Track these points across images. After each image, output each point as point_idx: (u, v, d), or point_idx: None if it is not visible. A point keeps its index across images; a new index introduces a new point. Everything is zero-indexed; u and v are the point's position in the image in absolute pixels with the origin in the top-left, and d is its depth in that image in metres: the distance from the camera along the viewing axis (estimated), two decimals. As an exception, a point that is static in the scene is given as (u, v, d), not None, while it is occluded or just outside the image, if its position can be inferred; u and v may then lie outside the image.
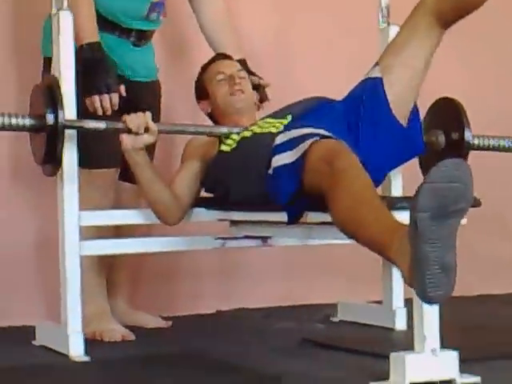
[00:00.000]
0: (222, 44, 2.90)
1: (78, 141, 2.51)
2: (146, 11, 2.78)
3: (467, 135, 2.71)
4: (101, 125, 2.46)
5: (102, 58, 2.56)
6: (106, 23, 2.71)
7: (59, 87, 2.42)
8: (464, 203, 1.84)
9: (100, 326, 2.70)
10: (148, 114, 2.46)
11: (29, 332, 2.72)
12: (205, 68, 2.79)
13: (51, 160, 2.43)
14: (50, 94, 2.41)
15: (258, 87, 2.84)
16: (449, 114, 2.74)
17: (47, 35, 2.63)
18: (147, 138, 2.46)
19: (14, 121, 2.41)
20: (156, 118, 2.81)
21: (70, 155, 2.49)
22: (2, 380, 2.18)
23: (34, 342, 2.68)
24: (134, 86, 2.80)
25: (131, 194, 2.86)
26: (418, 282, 1.83)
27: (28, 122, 2.42)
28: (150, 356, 2.46)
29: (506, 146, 2.83)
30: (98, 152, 2.69)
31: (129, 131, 2.45)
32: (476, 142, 2.75)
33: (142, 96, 2.83)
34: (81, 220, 2.52)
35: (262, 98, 2.86)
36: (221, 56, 2.80)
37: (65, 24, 2.48)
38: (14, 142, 3.04)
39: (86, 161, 2.64)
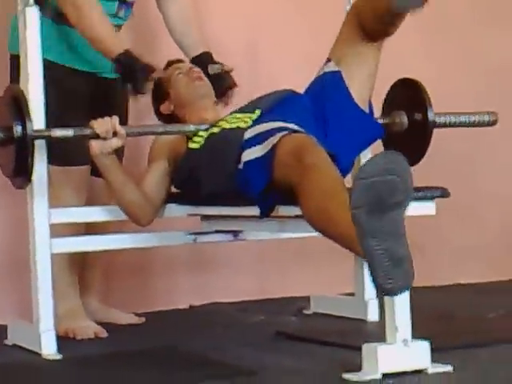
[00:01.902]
0: (186, 39, 2.90)
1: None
2: (115, 10, 2.77)
3: (430, 114, 2.70)
4: (69, 132, 2.44)
5: (139, 61, 2.57)
6: None
7: (25, 97, 2.40)
8: (401, 195, 1.85)
9: (72, 324, 2.69)
10: (115, 118, 2.45)
11: (0, 331, 2.70)
12: (162, 70, 2.77)
13: (21, 172, 2.40)
14: (16, 105, 2.38)
15: (223, 76, 2.83)
16: (410, 94, 2.74)
17: (14, 31, 2.60)
18: (115, 142, 2.46)
19: None
20: (124, 118, 2.82)
21: (39, 157, 2.46)
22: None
23: (5, 341, 2.66)
24: (103, 83, 2.79)
25: (104, 190, 2.84)
26: (372, 276, 1.85)
27: None
28: (122, 353, 2.46)
29: (468, 121, 2.85)
30: (71, 149, 2.66)
31: (97, 137, 2.44)
32: (439, 120, 2.76)
33: (113, 94, 2.82)
34: (51, 217, 2.51)
35: (230, 85, 2.84)
36: (174, 61, 2.81)
37: (32, 21, 2.46)
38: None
39: (59, 158, 2.62)
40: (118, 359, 2.36)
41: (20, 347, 2.57)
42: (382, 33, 2.39)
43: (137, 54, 2.59)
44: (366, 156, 2.80)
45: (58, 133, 2.44)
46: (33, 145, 2.37)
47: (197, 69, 2.75)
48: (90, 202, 2.79)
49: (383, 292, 1.87)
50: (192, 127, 2.60)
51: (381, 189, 1.83)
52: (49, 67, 2.58)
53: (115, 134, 2.44)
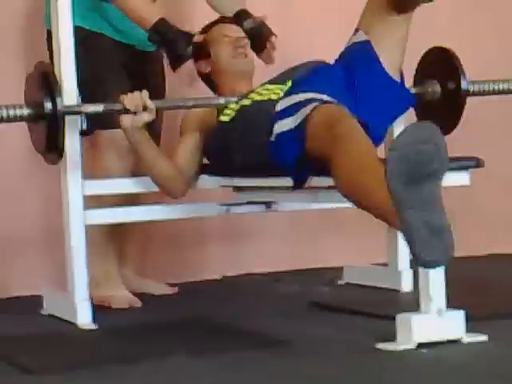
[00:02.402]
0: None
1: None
2: None
3: (463, 82, 2.67)
4: (99, 108, 2.45)
5: (175, 28, 2.60)
6: None
7: (54, 73, 2.40)
8: (437, 164, 1.84)
9: (109, 292, 2.71)
10: (145, 93, 2.46)
11: (36, 302, 2.72)
12: (207, 28, 2.77)
13: (53, 148, 2.40)
14: (46, 81, 2.39)
15: (258, 28, 2.81)
16: (442, 62, 2.71)
17: (49, 6, 2.59)
18: (146, 117, 2.46)
19: (11, 112, 2.37)
20: (161, 92, 2.83)
21: (72, 131, 2.47)
22: (12, 349, 2.19)
23: (41, 312, 2.68)
24: (143, 56, 2.78)
25: None
26: (410, 248, 1.83)
27: (26, 111, 2.39)
28: (156, 323, 2.47)
29: (503, 88, 2.81)
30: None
31: (127, 111, 2.44)
32: (472, 88, 2.72)
33: (153, 67, 2.83)
34: (84, 189, 2.52)
35: (267, 34, 2.82)
36: (226, 19, 2.79)
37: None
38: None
39: (108, 121, 2.59)
40: (152, 329, 2.37)
41: (55, 317, 2.59)
42: (413, 3, 2.34)
43: (172, 23, 2.59)
44: (398, 125, 2.79)
45: (89, 108, 2.45)
46: (63, 120, 2.38)
47: (244, 41, 2.72)
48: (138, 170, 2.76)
49: (423, 264, 1.85)
50: (222, 100, 2.59)
51: (415, 159, 1.82)
52: (87, 36, 2.62)
53: (145, 108, 2.44)
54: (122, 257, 2.90)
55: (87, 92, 2.55)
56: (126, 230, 2.90)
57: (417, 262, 1.86)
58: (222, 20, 2.79)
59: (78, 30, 2.56)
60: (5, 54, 3.05)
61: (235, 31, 2.74)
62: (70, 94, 2.46)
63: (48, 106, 2.36)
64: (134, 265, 2.98)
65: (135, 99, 2.44)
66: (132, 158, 2.72)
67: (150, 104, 2.45)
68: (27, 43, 3.05)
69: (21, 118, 2.40)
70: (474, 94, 2.76)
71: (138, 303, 2.70)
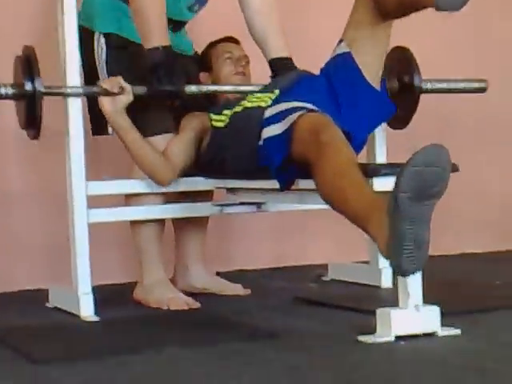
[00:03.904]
0: (266, 40, 2.74)
1: (131, 112, 2.50)
2: (193, 2, 2.70)
3: (416, 80, 2.71)
4: (79, 90, 2.48)
5: (174, 64, 2.50)
6: None
7: (36, 57, 2.42)
8: (441, 186, 1.86)
9: (165, 295, 2.57)
10: (120, 77, 2.47)
11: (43, 295, 2.71)
12: (213, 44, 2.79)
13: (32, 125, 2.44)
14: (28, 64, 2.41)
15: None
16: (401, 61, 2.74)
17: (97, 11, 2.59)
18: (124, 98, 2.46)
19: (1, 90, 2.42)
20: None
21: (75, 123, 2.47)
22: (19, 339, 2.18)
23: (47, 304, 2.68)
24: (181, 59, 2.68)
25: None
26: (394, 256, 1.85)
27: (10, 90, 2.43)
28: (152, 316, 2.46)
29: (456, 87, 2.84)
30: (151, 119, 2.59)
31: (105, 93, 2.45)
32: (425, 86, 2.75)
33: (191, 68, 2.74)
34: (88, 189, 2.51)
35: None
36: (231, 39, 2.80)
37: (68, 4, 2.46)
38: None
39: (144, 130, 2.56)
40: (149, 322, 2.36)
41: (60, 309, 2.58)
42: (399, 16, 2.33)
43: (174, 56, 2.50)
44: (379, 132, 2.78)
45: (68, 90, 2.46)
46: (40, 100, 2.40)
47: (246, 59, 2.75)
48: None
49: (400, 271, 1.88)
50: (250, 88, 2.63)
51: (427, 178, 1.83)
52: (112, 40, 2.58)
53: (122, 90, 2.45)
54: (188, 255, 2.78)
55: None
56: (182, 229, 2.79)
57: (395, 270, 1.88)
58: (228, 39, 2.80)
59: (112, 37, 2.56)
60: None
61: (238, 49, 2.77)
62: (73, 77, 2.46)
63: (28, 86, 2.39)
64: (204, 262, 2.81)
65: (112, 81, 2.47)
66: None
67: (127, 86, 2.47)
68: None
69: (6, 97, 2.44)
70: (428, 91, 2.78)
71: (196, 304, 2.52)
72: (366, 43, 2.37)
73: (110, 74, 2.56)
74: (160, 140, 2.61)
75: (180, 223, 2.79)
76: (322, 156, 2.00)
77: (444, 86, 2.83)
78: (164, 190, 2.63)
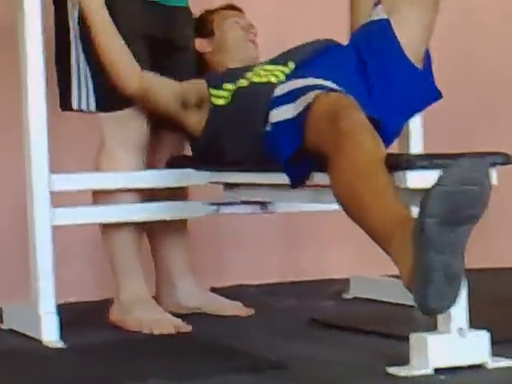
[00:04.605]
0: None
1: (96, 83, 2.58)
2: None
3: None
4: None
5: None
6: None
7: None
8: (479, 208, 1.86)
9: (146, 315, 2.58)
10: None
11: (-5, 314, 2.73)
12: (215, 9, 2.83)
13: None
14: None
15: None
16: None
17: None
18: None
19: None
20: (192, 49, 2.79)
21: (37, 106, 2.49)
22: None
23: (1, 326, 2.69)
24: (167, 12, 2.72)
25: (168, 149, 2.79)
26: (418, 291, 1.84)
27: None
28: (133, 340, 2.47)
29: None
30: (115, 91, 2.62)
31: None
32: None
33: (179, 24, 2.77)
34: (52, 185, 2.52)
35: None
36: (234, 7, 2.85)
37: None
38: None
39: (108, 103, 2.61)
40: (129, 348, 2.37)
41: (17, 332, 2.59)
42: None
43: None
44: (415, 123, 2.78)
45: None
46: None
47: (254, 30, 2.80)
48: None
49: (425, 309, 1.87)
50: None
51: (460, 200, 1.83)
52: None
53: None
54: (172, 267, 2.80)
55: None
56: (159, 235, 2.81)
57: (418, 304, 1.87)
58: (233, 7, 2.85)
59: None
60: None
61: (245, 19, 2.83)
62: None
63: None
64: (192, 274, 2.82)
65: None
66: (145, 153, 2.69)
67: None
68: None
69: None
70: None
71: (187, 327, 2.53)
72: (410, 10, 2.38)
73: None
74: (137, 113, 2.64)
75: (155, 228, 2.79)
76: (339, 149, 1.99)
77: None
78: (152, 184, 2.64)
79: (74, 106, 2.65)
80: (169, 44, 2.70)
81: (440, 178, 1.83)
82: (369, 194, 1.94)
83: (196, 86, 2.63)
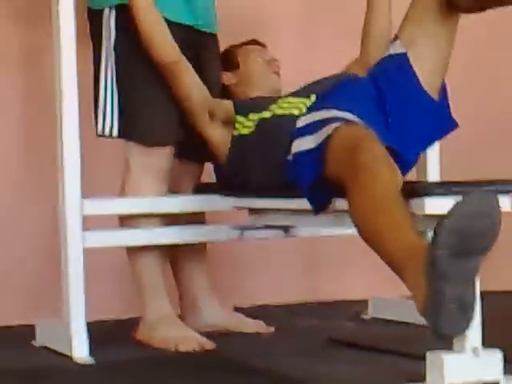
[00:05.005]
0: None
1: (123, 108, 2.59)
2: None
3: None
4: None
5: None
6: None
7: None
8: (489, 240, 1.87)
9: (171, 333, 2.60)
10: None
11: (29, 332, 2.75)
12: (240, 44, 2.87)
13: None
14: None
15: None
16: None
17: None
18: None
19: None
20: (217, 76, 2.81)
21: (71, 134, 2.52)
22: (0, 384, 2.22)
23: (34, 343, 2.71)
24: (200, 36, 2.74)
25: (188, 177, 2.81)
26: (432, 319, 1.87)
27: None
28: (159, 357, 2.48)
29: None
30: (155, 123, 2.64)
31: None
32: None
33: (210, 50, 2.78)
34: (83, 208, 2.55)
35: None
36: (258, 42, 2.88)
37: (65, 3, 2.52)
38: (23, 130, 3.11)
39: (139, 134, 2.63)
40: (155, 365, 2.38)
41: (49, 349, 2.61)
42: (474, 11, 2.33)
43: None
44: (432, 151, 2.79)
45: None
46: None
47: (278, 63, 2.83)
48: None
49: (438, 336, 1.89)
50: None
51: (469, 233, 1.84)
52: (123, 14, 2.61)
53: None
54: (195, 288, 2.83)
55: (131, 80, 2.60)
56: (181, 259, 2.83)
57: (432, 331, 1.89)
58: (257, 42, 2.89)
59: (120, 8, 2.61)
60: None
61: (269, 53, 2.86)
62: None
63: None
64: (216, 295, 2.85)
65: None
66: (168, 182, 2.70)
67: None
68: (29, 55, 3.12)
69: None
70: None
71: (211, 345, 2.55)
72: (426, 44, 2.39)
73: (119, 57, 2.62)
74: (165, 153, 2.66)
75: (177, 253, 2.83)
76: (357, 182, 2.00)
77: None
78: (178, 210, 2.67)
79: (99, 130, 2.66)
80: (198, 67, 2.69)
81: (450, 212, 1.84)
82: (384, 226, 1.96)
83: (225, 105, 2.65)
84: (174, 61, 2.61)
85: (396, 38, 2.46)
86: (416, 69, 2.40)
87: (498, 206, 1.87)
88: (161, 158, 2.66)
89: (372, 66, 2.52)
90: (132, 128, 2.64)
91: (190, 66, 2.64)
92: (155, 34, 2.59)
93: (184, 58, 2.63)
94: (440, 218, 1.85)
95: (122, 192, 2.69)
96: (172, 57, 2.61)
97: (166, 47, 2.60)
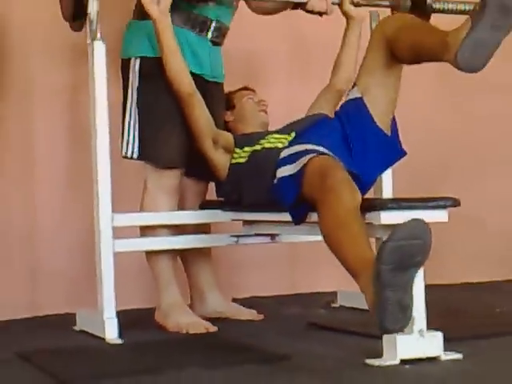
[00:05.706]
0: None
1: (141, 136, 2.56)
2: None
3: None
4: None
5: None
6: (186, 17, 2.61)
7: None
8: (422, 256, 1.88)
9: (182, 319, 2.57)
10: None
11: (70, 319, 2.74)
12: (236, 90, 2.87)
13: (78, 16, 2.49)
14: None
15: None
16: None
17: (126, 39, 2.65)
18: (168, 1, 2.47)
19: None
20: (222, 120, 2.77)
21: (103, 156, 2.49)
22: (46, 359, 2.20)
23: (74, 328, 2.70)
24: (209, 86, 2.71)
25: (193, 193, 2.78)
26: (378, 318, 1.87)
27: None
28: (174, 339, 2.47)
29: (463, 8, 2.85)
30: (167, 149, 2.61)
31: None
32: (436, 5, 2.81)
33: (217, 98, 2.74)
34: (114, 221, 2.54)
35: None
36: (249, 89, 2.88)
37: (98, 54, 2.50)
38: (68, 157, 3.09)
39: (155, 157, 2.60)
40: (171, 344, 2.37)
41: (86, 332, 2.60)
42: (413, 63, 2.32)
43: None
44: (386, 174, 2.81)
45: None
46: None
47: (265, 103, 2.83)
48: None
49: (384, 330, 1.90)
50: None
51: (407, 251, 1.84)
52: (145, 63, 2.59)
53: None
54: (203, 283, 2.80)
55: (147, 122, 2.58)
56: (191, 260, 2.81)
57: (379, 327, 1.90)
58: (248, 88, 2.88)
59: (143, 60, 2.59)
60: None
61: (257, 95, 2.86)
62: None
63: None
64: (219, 288, 2.82)
65: None
66: (177, 197, 2.67)
67: None
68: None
69: None
70: (438, 11, 2.82)
71: (214, 328, 2.53)
72: (378, 90, 2.38)
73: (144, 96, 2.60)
74: (176, 174, 2.63)
75: (188, 255, 2.81)
76: (325, 202, 2.01)
77: (452, 6, 2.83)
78: (188, 221, 2.66)
79: (122, 152, 2.64)
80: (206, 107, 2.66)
81: (392, 234, 1.85)
82: (344, 240, 1.97)
83: (226, 135, 2.65)
84: (189, 93, 2.58)
85: (354, 85, 2.46)
86: (371, 110, 2.39)
87: (429, 231, 1.87)
88: (172, 177, 2.64)
89: (338, 109, 2.53)
90: (148, 152, 2.62)
91: (202, 100, 2.61)
92: (175, 61, 2.54)
93: (197, 91, 2.60)
94: (383, 241, 1.86)
95: (141, 206, 2.67)
96: (188, 89, 2.58)
97: (183, 80, 2.56)
